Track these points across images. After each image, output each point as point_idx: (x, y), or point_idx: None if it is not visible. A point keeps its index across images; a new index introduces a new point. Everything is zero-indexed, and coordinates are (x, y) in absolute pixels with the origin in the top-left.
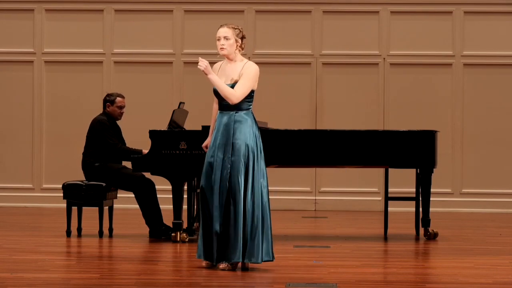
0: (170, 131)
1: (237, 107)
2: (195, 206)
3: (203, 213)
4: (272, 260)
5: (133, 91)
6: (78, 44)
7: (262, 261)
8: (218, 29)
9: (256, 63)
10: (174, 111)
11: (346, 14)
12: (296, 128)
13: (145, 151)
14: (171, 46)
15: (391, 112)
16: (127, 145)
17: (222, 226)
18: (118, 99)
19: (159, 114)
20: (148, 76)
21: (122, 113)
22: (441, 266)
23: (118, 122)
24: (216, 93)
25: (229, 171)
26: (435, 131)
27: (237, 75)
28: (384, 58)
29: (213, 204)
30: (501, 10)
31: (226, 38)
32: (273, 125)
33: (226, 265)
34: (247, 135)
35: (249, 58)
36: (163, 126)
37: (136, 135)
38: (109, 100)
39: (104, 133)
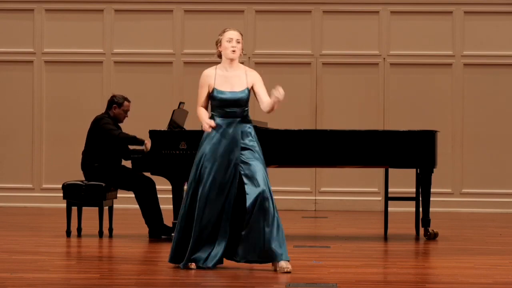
0: (170, 131)
1: (241, 114)
2: None
3: (206, 219)
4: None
5: (133, 91)
6: (78, 44)
7: None
8: (227, 31)
9: (256, 63)
10: (174, 111)
11: (346, 14)
12: (296, 128)
13: (148, 143)
14: (171, 46)
15: (391, 112)
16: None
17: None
18: (126, 103)
19: (159, 114)
20: (148, 76)
21: (126, 117)
22: (441, 266)
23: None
24: (223, 101)
25: (244, 172)
26: (435, 131)
27: (245, 83)
28: (384, 58)
29: (226, 210)
30: (501, 10)
31: (238, 41)
32: (273, 125)
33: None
34: (255, 138)
35: (249, 58)
36: (163, 126)
37: (136, 135)
38: (117, 102)
39: (106, 126)
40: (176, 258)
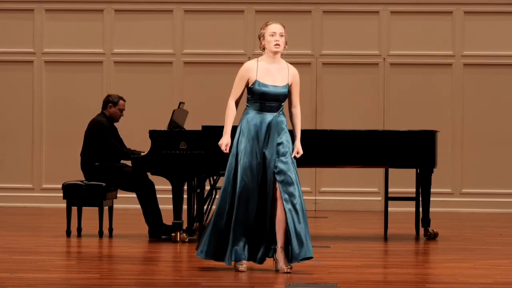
0: (170, 131)
1: (278, 108)
2: (195, 206)
3: (247, 214)
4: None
5: (133, 91)
6: (78, 44)
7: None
8: (269, 24)
9: None
10: (174, 111)
11: (346, 14)
12: None
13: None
14: (171, 46)
15: (391, 112)
16: (126, 145)
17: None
18: (121, 102)
19: (159, 114)
20: (148, 76)
21: (121, 116)
22: (441, 266)
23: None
24: (264, 94)
25: (279, 169)
26: (435, 131)
27: (286, 78)
28: (384, 58)
29: (263, 204)
30: (501, 10)
31: (281, 35)
32: None
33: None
34: (288, 133)
35: (248, 58)
36: (163, 126)
37: (136, 135)
38: (112, 101)
39: (104, 135)
40: (216, 254)
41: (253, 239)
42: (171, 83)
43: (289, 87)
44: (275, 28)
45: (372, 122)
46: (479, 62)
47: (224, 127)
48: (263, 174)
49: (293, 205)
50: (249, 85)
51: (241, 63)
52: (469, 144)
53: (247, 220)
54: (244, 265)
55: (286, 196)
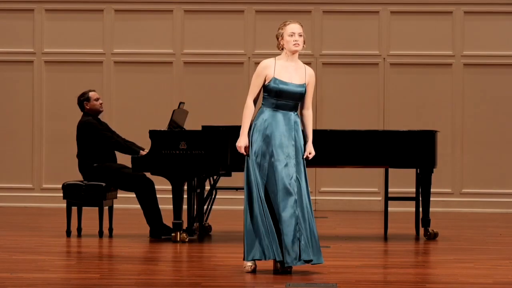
0: (170, 131)
1: (293, 108)
2: (195, 206)
3: (273, 217)
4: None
5: (133, 91)
6: (78, 44)
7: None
8: (288, 24)
9: (256, 63)
10: (174, 111)
11: (346, 14)
12: None
13: (143, 152)
14: (171, 46)
15: (391, 112)
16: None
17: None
18: (91, 93)
19: (159, 114)
20: (148, 76)
21: (101, 104)
22: (441, 266)
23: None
24: (281, 91)
25: (293, 171)
26: (435, 131)
27: (303, 77)
28: (384, 58)
29: (284, 206)
30: (501, 10)
31: (300, 34)
32: None
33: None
34: (302, 135)
35: (249, 59)
36: (163, 126)
37: (136, 135)
38: (83, 99)
39: (95, 131)
40: (261, 253)
41: (294, 243)
42: (171, 83)
43: (305, 86)
44: (294, 28)
45: (372, 122)
46: (479, 62)
47: (242, 127)
48: (278, 174)
49: (302, 207)
50: (266, 82)
51: (241, 63)
52: (469, 144)
53: (270, 220)
54: (253, 265)
55: (301, 201)
